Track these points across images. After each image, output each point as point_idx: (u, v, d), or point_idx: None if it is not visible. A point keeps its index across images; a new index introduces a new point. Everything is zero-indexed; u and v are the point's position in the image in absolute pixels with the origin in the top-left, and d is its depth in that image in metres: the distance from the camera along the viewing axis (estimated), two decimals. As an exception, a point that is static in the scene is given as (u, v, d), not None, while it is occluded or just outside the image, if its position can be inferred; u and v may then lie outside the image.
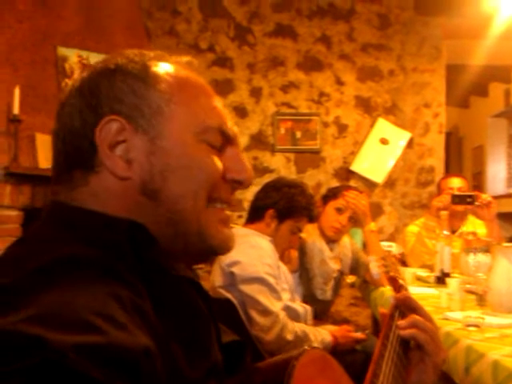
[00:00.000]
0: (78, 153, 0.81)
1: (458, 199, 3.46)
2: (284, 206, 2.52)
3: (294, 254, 2.90)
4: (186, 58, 0.91)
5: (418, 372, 1.06)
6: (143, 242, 0.77)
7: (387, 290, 2.80)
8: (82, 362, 0.53)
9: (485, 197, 3.47)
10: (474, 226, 3.66)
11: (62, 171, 0.83)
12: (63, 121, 0.83)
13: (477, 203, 3.43)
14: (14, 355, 0.53)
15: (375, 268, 2.65)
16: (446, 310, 2.28)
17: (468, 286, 2.46)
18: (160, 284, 0.76)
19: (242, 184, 0.89)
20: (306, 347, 0.85)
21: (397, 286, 1.26)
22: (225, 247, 0.88)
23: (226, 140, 0.88)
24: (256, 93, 5.37)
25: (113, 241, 0.75)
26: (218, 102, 0.90)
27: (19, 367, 0.52)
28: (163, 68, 0.85)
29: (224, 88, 5.32)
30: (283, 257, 2.65)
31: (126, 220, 0.78)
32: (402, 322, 1.09)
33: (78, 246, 0.72)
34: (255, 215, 2.59)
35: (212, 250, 0.86)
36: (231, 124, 0.91)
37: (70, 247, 0.71)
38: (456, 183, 3.72)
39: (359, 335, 2.63)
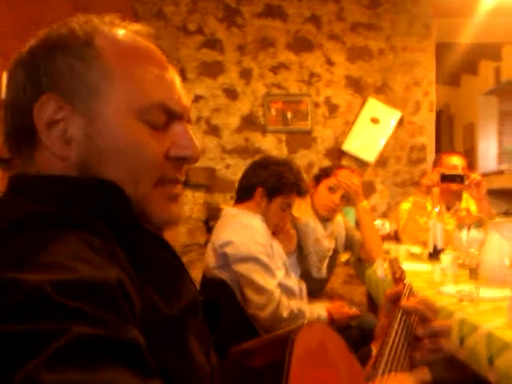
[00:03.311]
0: (23, 128, 0.81)
1: (448, 178, 3.46)
2: (273, 183, 2.52)
3: (292, 232, 2.91)
4: (137, 26, 0.89)
5: (421, 350, 1.11)
6: (112, 198, 0.79)
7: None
8: (58, 295, 0.56)
9: (474, 176, 3.48)
10: (468, 202, 3.69)
11: (12, 146, 0.85)
12: (10, 94, 0.83)
13: (466, 183, 3.44)
14: None
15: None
16: (439, 284, 2.29)
17: (461, 260, 2.48)
18: (130, 234, 0.78)
19: (188, 160, 0.88)
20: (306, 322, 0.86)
21: (402, 287, 1.30)
22: (169, 223, 0.88)
23: (171, 116, 0.86)
24: (246, 74, 5.35)
25: (80, 199, 0.77)
26: (169, 74, 0.88)
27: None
28: (107, 40, 0.83)
29: (214, 70, 5.30)
30: (279, 235, 2.66)
31: (94, 179, 0.79)
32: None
33: (43, 205, 0.74)
34: (244, 194, 2.59)
35: (155, 227, 0.86)
36: (181, 97, 0.88)
37: (34, 207, 0.73)
38: (456, 161, 3.72)
39: (353, 311, 2.65)
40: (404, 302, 1.15)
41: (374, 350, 1.17)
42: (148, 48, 0.87)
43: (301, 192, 2.59)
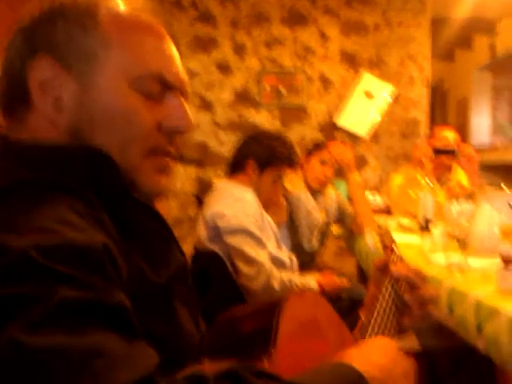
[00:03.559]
0: (17, 89, 0.82)
1: (440, 152, 3.48)
2: (264, 155, 2.52)
3: (283, 203, 2.92)
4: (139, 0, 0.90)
5: (409, 316, 1.12)
6: (101, 166, 0.79)
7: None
8: (43, 259, 0.56)
9: (467, 152, 3.49)
10: (459, 175, 3.71)
11: (7, 107, 0.85)
12: (7, 59, 0.84)
13: (459, 158, 3.45)
14: None
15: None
16: (429, 255, 2.31)
17: (450, 230, 2.50)
18: (119, 204, 0.79)
19: (180, 132, 0.89)
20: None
21: (392, 256, 1.31)
22: (157, 195, 0.89)
23: (167, 88, 0.87)
24: (240, 49, 5.32)
25: (69, 167, 0.77)
26: (168, 48, 0.89)
27: None
28: (108, 12, 0.84)
29: (207, 45, 5.26)
30: (270, 207, 2.67)
31: (83, 147, 0.79)
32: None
33: (31, 172, 0.74)
34: (236, 167, 2.60)
35: (144, 197, 0.86)
36: (179, 71, 0.90)
37: (23, 174, 0.73)
38: (449, 135, 3.73)
39: (343, 282, 2.67)
40: (393, 268, 1.16)
41: (363, 316, 1.18)
42: (149, 21, 0.88)
43: (292, 163, 2.59)
